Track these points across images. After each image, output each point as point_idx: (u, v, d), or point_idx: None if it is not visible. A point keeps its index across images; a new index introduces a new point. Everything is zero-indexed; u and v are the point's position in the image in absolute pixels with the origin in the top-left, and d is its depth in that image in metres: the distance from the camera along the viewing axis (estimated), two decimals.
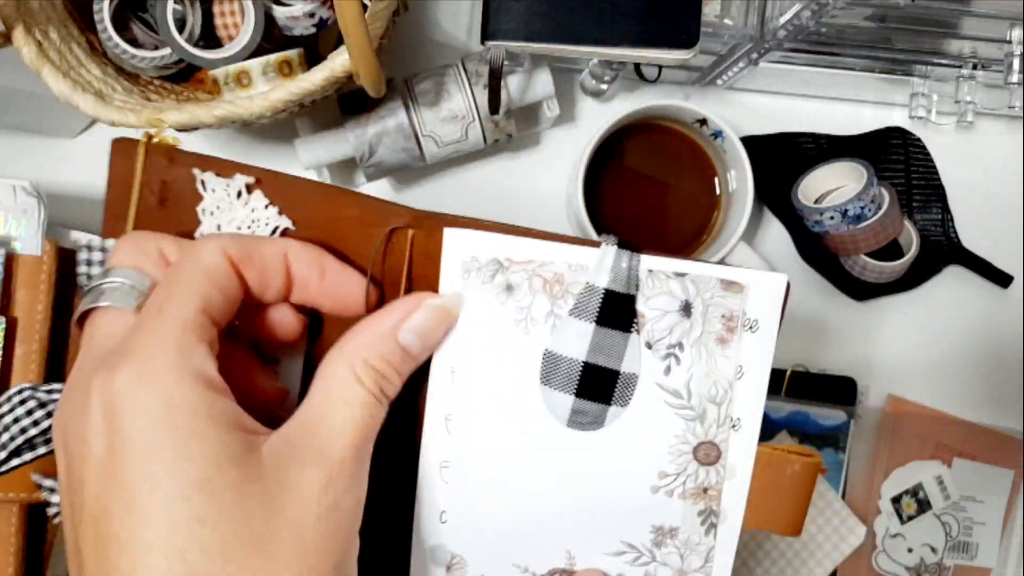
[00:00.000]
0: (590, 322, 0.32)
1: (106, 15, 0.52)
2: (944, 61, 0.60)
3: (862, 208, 0.57)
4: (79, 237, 0.58)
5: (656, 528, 0.32)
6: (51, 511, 0.35)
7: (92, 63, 0.52)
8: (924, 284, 0.64)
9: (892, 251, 0.61)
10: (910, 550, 0.63)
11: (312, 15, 0.52)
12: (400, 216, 0.33)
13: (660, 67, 0.61)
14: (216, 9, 0.54)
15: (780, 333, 0.32)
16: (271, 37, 0.54)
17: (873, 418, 0.63)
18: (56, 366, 0.53)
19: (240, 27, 0.53)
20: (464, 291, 0.32)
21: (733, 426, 0.32)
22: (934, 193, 0.64)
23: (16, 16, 0.47)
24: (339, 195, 0.34)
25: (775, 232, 0.64)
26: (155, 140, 0.34)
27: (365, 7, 0.47)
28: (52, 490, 0.34)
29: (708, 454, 0.32)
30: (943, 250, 0.64)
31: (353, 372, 0.28)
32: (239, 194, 0.33)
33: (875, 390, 0.64)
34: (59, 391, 0.35)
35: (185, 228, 0.34)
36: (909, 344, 0.64)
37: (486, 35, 0.46)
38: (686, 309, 0.31)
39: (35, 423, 0.34)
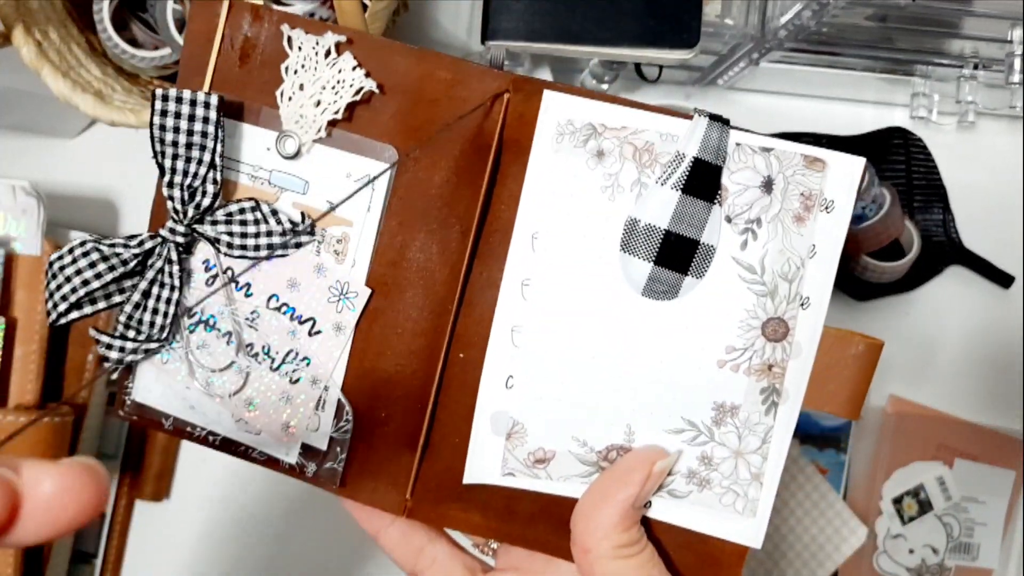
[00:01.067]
0: (676, 190, 0.32)
1: (106, 15, 0.52)
2: (945, 61, 0.60)
3: (863, 208, 0.57)
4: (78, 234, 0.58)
5: (718, 405, 0.32)
6: (107, 365, 0.35)
7: (92, 63, 0.52)
8: (925, 284, 0.64)
9: (893, 251, 0.61)
10: (911, 551, 0.62)
11: (312, 15, 0.52)
12: (496, 79, 0.33)
13: (661, 67, 0.61)
14: None
15: None
16: None
17: (875, 419, 0.63)
18: (56, 367, 0.53)
19: None
20: (555, 156, 0.33)
21: (802, 304, 0.32)
22: (935, 193, 0.64)
23: (16, 16, 0.47)
24: (431, 57, 0.34)
25: None
26: None
27: (365, 7, 0.47)
28: (108, 346, 0.34)
29: (776, 330, 0.32)
30: (944, 250, 0.64)
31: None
32: (327, 53, 0.33)
33: (877, 391, 0.64)
34: (121, 243, 0.33)
35: (266, 86, 0.33)
36: (910, 345, 0.64)
37: (487, 35, 0.45)
38: (767, 185, 0.32)
39: (97, 276, 0.33)
